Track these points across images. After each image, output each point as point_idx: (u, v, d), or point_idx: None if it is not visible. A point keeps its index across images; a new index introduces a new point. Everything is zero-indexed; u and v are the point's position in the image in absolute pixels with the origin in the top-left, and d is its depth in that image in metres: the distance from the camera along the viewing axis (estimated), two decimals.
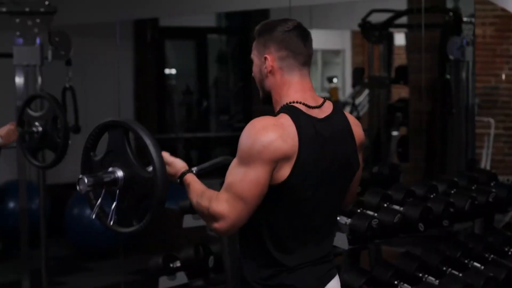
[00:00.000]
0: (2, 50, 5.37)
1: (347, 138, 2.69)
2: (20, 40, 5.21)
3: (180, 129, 9.67)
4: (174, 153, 2.81)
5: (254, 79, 2.71)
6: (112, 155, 2.61)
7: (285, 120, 2.53)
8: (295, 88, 2.62)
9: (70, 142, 4.32)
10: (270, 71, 2.63)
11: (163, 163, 2.55)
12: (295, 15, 9.50)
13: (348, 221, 3.82)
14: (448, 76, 6.38)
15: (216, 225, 2.52)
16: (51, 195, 7.67)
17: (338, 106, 2.75)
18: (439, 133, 6.77)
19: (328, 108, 2.66)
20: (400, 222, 3.84)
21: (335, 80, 11.30)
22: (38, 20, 5.19)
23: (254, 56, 2.68)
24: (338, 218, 3.79)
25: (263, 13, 9.36)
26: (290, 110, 2.56)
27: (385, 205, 4.02)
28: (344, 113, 2.73)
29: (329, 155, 2.59)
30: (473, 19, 6.09)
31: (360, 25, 7.58)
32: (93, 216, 2.64)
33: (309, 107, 2.59)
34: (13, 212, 7.58)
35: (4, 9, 5.08)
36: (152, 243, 7.23)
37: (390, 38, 7.78)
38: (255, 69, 2.68)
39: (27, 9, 5.14)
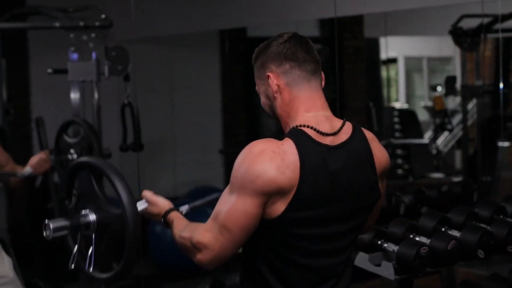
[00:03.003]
0: (58, 66, 5.23)
1: (366, 167, 2.36)
2: (75, 56, 5.05)
3: None
4: None
5: (266, 110, 2.43)
6: (84, 199, 2.48)
7: (288, 147, 2.23)
8: (305, 105, 2.32)
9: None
10: (276, 91, 2.34)
11: (131, 198, 2.34)
12: (392, 21, 9.18)
13: (396, 248, 3.46)
14: None
15: (199, 256, 2.28)
16: None
17: (359, 129, 2.40)
18: None
19: (345, 133, 2.34)
20: (456, 249, 3.44)
21: (439, 88, 10.80)
22: (93, 35, 5.02)
23: (258, 86, 2.40)
24: (385, 245, 3.45)
25: (357, 20, 9.05)
26: (297, 135, 2.26)
27: (443, 229, 3.62)
28: (365, 137, 2.39)
29: (340, 188, 2.28)
30: None
31: (450, 32, 7.12)
32: (71, 266, 2.45)
33: (321, 133, 2.28)
34: None
35: (57, 24, 4.93)
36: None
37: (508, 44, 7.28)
38: (262, 100, 2.40)
39: (81, 24, 4.97)
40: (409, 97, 11.74)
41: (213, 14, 7.22)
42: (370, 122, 8.08)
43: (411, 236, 3.56)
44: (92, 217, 2.43)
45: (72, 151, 3.98)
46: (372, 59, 9.68)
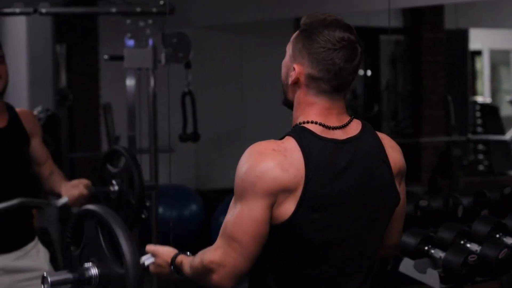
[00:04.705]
0: (114, 53, 5.14)
1: (379, 164, 2.16)
2: (132, 42, 4.95)
3: None
4: None
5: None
6: (88, 249, 2.31)
7: (290, 144, 2.07)
8: (318, 111, 2.14)
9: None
10: (294, 83, 2.15)
11: (135, 259, 2.17)
12: (476, 12, 8.86)
13: (443, 255, 3.24)
14: None
15: (214, 276, 2.11)
16: (205, 201, 7.49)
17: (368, 126, 2.21)
18: None
19: (354, 128, 2.16)
20: (508, 258, 3.20)
21: None
22: (150, 21, 4.91)
23: (288, 50, 2.19)
24: (432, 251, 3.23)
25: (437, 11, 8.75)
26: (299, 132, 2.09)
27: (497, 236, 3.38)
28: (376, 135, 2.20)
29: (351, 186, 2.09)
30: None
31: None
32: None
33: (328, 128, 2.10)
34: (164, 218, 7.37)
35: (114, 10, 4.83)
36: None
37: None
38: (283, 65, 2.21)
39: (138, 10, 4.85)
40: (494, 91, 11.37)
41: (288, 1, 7.05)
42: (447, 116, 7.79)
43: (462, 242, 3.33)
44: (94, 271, 2.26)
45: (114, 182, 3.79)
46: (454, 51, 9.35)
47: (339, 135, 2.12)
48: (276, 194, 2.04)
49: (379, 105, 9.35)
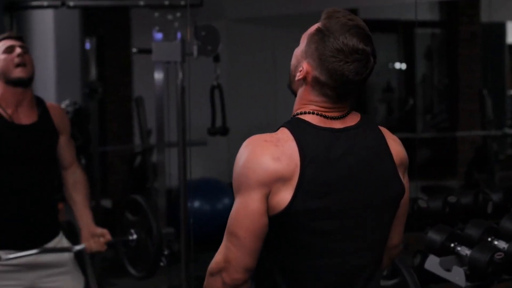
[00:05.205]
0: (146, 46, 5.12)
1: (380, 154, 2.15)
2: (160, 36, 4.93)
3: None
4: None
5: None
6: None
7: (283, 134, 2.07)
8: (317, 107, 2.14)
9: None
10: (300, 79, 2.14)
11: None
12: (506, 4, 8.69)
13: (469, 252, 3.17)
14: None
15: (224, 276, 2.09)
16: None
17: (368, 118, 2.20)
18: None
19: (352, 119, 2.14)
20: None
21: None
22: (178, 14, 4.88)
23: (302, 42, 2.17)
24: (458, 248, 3.17)
25: (473, 4, 8.63)
26: (293, 123, 2.10)
27: None
28: (377, 126, 2.19)
29: (350, 174, 2.08)
30: None
31: None
32: None
33: (326, 117, 2.10)
34: (199, 212, 7.34)
35: (142, 3, 4.82)
36: None
37: None
38: (295, 55, 2.19)
39: (166, 3, 4.84)
40: None
41: None
42: (483, 110, 7.67)
43: (489, 239, 3.26)
44: None
45: (132, 230, 3.80)
46: (491, 45, 9.21)
47: (337, 124, 2.11)
48: (270, 184, 2.03)
49: (414, 99, 9.26)
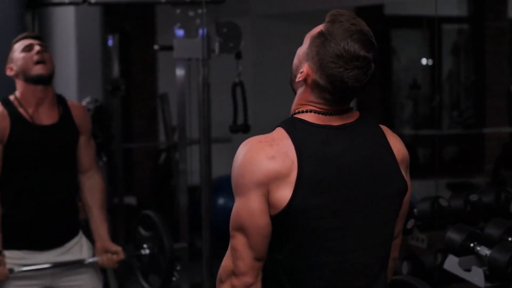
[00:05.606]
0: (163, 43, 5.11)
1: (381, 150, 2.14)
2: (181, 32, 4.91)
3: (407, 125, 9.09)
4: None
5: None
6: None
7: (278, 134, 2.08)
8: (316, 107, 2.14)
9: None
10: (300, 80, 2.14)
11: None
12: None
13: (489, 252, 3.13)
14: None
15: (234, 280, 2.10)
16: None
17: (369, 117, 2.20)
18: None
19: (350, 117, 2.14)
20: None
21: None
22: (200, 11, 4.86)
23: (305, 42, 2.15)
24: (478, 248, 3.12)
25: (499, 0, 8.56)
26: (289, 122, 2.11)
27: None
28: (376, 124, 2.19)
29: (349, 171, 2.08)
30: None
31: None
32: None
33: (323, 114, 2.10)
34: (222, 209, 7.33)
35: (163, 0, 4.81)
36: None
37: None
38: (297, 54, 2.18)
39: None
40: None
41: None
42: (510, 106, 7.61)
43: (510, 239, 3.21)
44: None
45: (145, 245, 3.80)
46: None
47: (335, 122, 2.11)
48: (267, 183, 2.04)
49: (440, 95, 9.19)
